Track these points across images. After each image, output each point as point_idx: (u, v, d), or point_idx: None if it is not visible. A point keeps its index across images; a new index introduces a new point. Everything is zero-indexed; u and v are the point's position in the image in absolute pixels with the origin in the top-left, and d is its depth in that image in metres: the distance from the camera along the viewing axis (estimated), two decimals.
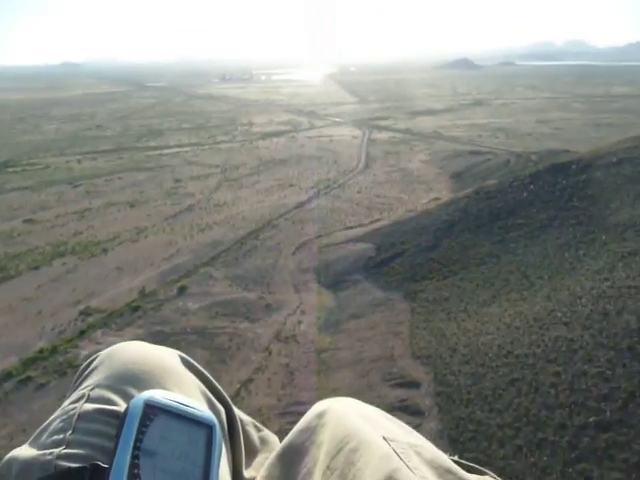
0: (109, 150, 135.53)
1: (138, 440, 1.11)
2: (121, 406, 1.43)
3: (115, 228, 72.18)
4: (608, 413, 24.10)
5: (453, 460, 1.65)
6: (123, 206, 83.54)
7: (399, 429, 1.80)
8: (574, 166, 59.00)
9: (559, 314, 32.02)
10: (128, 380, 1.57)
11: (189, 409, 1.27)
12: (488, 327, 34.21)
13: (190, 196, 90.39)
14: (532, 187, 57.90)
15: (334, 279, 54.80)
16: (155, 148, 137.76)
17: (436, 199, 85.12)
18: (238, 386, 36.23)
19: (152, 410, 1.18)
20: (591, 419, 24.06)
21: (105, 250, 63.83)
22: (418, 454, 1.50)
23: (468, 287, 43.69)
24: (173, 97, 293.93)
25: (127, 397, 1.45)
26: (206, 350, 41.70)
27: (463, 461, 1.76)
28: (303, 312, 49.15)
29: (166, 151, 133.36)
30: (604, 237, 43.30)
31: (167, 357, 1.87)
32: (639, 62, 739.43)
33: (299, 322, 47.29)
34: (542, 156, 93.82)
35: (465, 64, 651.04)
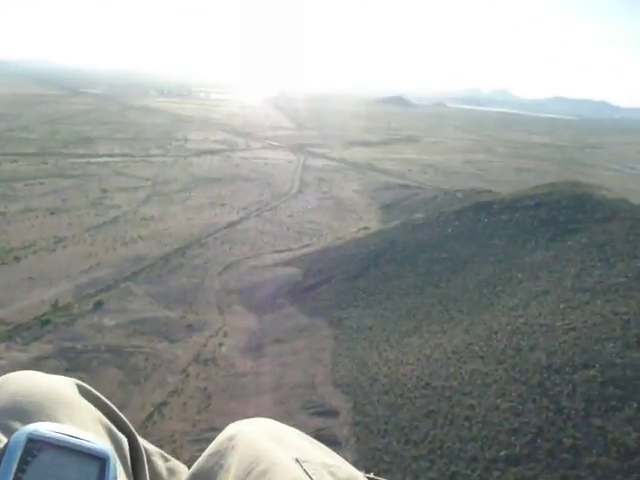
0: (33, 154, 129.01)
1: (17, 478, 1.04)
2: (1, 442, 1.34)
3: (31, 236, 68.24)
4: (518, 447, 24.88)
5: (370, 478, 1.75)
6: (42, 213, 79.27)
7: (315, 450, 1.77)
8: (496, 206, 62.06)
9: (476, 348, 33.06)
10: (14, 414, 1.47)
11: (79, 441, 1.19)
12: (408, 358, 34.76)
13: (116, 208, 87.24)
14: (457, 223, 60.25)
15: (260, 302, 54.11)
16: (83, 156, 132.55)
17: (365, 228, 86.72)
18: (151, 409, 34.60)
19: (36, 444, 1.11)
20: (502, 453, 24.74)
21: (17, 258, 60.04)
22: (332, 474, 1.50)
23: (391, 317, 44.40)
24: (108, 105, 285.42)
25: (10, 432, 1.39)
26: (120, 370, 39.71)
27: (380, 478, 1.87)
28: (226, 334, 48.00)
29: (95, 160, 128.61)
30: (520, 275, 45.51)
31: (61, 387, 1.72)
32: (557, 115, 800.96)
33: (220, 344, 46.10)
34: (467, 194, 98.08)
35: (401, 101, 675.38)
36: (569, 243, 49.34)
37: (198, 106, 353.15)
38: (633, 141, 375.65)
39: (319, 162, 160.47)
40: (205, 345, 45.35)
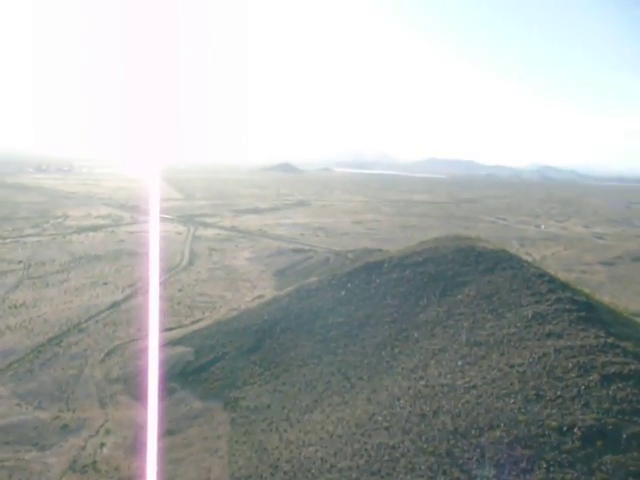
0: None
1: None
2: None
3: None
4: None
5: None
6: None
7: None
8: (386, 265, 62.77)
9: (380, 418, 31.47)
10: None
11: None
12: (311, 437, 32.33)
13: None
14: (349, 285, 59.89)
15: (148, 389, 49.25)
16: None
17: (260, 297, 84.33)
18: None
19: None
20: None
21: None
22: None
23: (290, 391, 41.85)
24: None
25: None
26: None
27: None
28: (108, 431, 42.67)
29: None
30: (416, 334, 45.28)
31: None
32: (433, 174, 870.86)
33: (102, 444, 40.70)
34: (358, 254, 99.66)
35: (288, 168, 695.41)
36: (459, 297, 50.39)
37: (81, 181, 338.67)
38: (500, 195, 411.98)
39: (210, 232, 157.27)
40: (84, 448, 39.95)
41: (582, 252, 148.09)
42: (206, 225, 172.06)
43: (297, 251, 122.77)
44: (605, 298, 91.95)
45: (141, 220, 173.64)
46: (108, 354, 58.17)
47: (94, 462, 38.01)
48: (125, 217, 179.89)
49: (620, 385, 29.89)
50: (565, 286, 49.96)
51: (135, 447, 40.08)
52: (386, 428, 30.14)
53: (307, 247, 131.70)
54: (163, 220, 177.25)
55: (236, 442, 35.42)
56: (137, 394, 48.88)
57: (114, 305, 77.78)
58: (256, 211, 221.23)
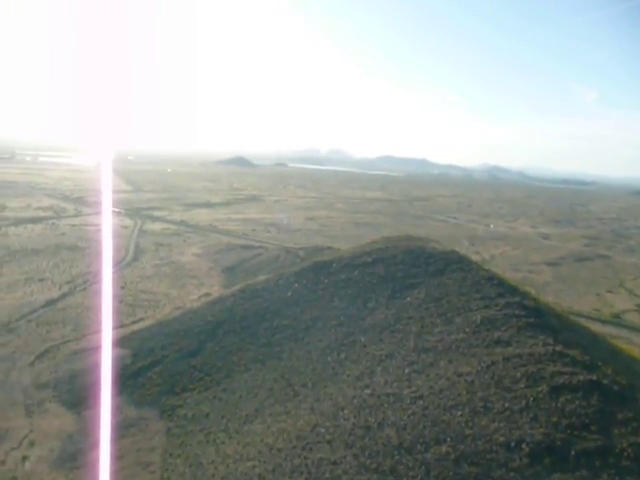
0: None
1: None
2: None
3: None
4: None
5: None
6: None
7: None
8: (335, 265, 61.22)
9: (322, 430, 29.79)
10: None
11: None
12: (249, 451, 30.34)
13: None
14: (297, 285, 57.97)
15: (79, 395, 46.01)
16: None
17: (207, 295, 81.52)
18: None
19: None
20: None
21: None
22: None
23: (231, 399, 39.64)
24: None
25: None
26: None
27: None
28: (32, 443, 39.37)
29: None
30: (363, 339, 43.84)
31: None
32: (386, 172, 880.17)
33: (25, 458, 37.47)
34: (309, 252, 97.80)
35: (242, 162, 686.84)
36: (408, 299, 49.33)
37: (22, 171, 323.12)
38: (452, 193, 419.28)
39: (157, 226, 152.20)
40: (3, 462, 36.75)
41: (529, 252, 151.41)
42: (154, 219, 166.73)
43: (247, 247, 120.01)
44: (550, 298, 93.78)
45: (85, 213, 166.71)
46: (39, 357, 54.41)
47: (14, 478, 34.91)
48: (68, 209, 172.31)
49: (569, 397, 29.27)
50: (514, 290, 49.68)
51: (61, 460, 37.19)
52: (328, 442, 28.47)
53: (258, 243, 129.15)
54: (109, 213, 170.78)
55: (170, 455, 33.09)
56: (68, 401, 45.70)
57: (49, 303, 73.39)
58: (207, 205, 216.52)
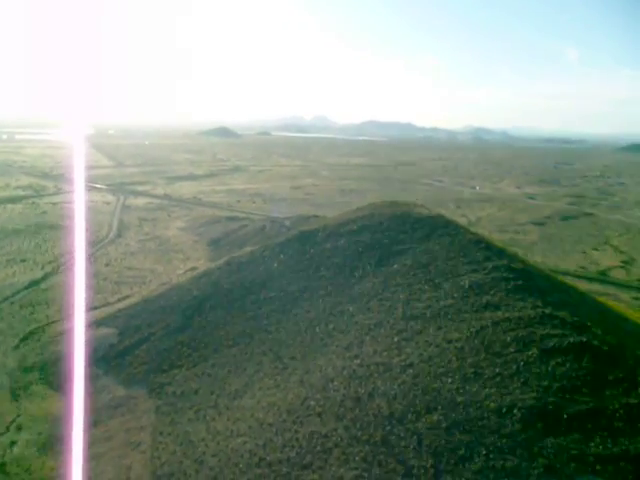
0: None
1: None
2: None
3: None
4: None
5: None
6: None
7: None
8: (320, 234, 60.29)
9: (312, 402, 29.40)
10: None
11: None
12: (240, 426, 29.95)
13: None
14: (282, 256, 57.09)
15: (67, 377, 45.38)
16: None
17: (193, 269, 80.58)
18: None
19: None
20: None
21: None
22: None
23: (220, 374, 39.13)
24: None
25: None
26: None
27: None
28: (20, 428, 38.78)
29: None
30: (351, 308, 43.30)
31: None
32: (371, 137, 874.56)
33: (12, 443, 36.99)
34: (295, 221, 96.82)
35: (225, 132, 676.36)
36: (395, 266, 48.70)
37: None
38: (437, 157, 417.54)
39: (141, 201, 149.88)
40: None
41: (515, 213, 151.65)
42: (137, 194, 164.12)
43: (232, 219, 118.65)
44: (537, 258, 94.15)
45: (66, 190, 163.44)
46: (23, 339, 53.49)
47: (2, 464, 34.39)
48: (49, 187, 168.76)
49: (559, 360, 29.03)
50: (501, 252, 49.24)
51: (50, 444, 36.64)
52: (319, 414, 28.12)
53: (243, 215, 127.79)
54: (91, 189, 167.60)
55: (160, 434, 32.66)
56: (55, 383, 45.01)
57: (32, 284, 72.06)
58: (191, 178, 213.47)
